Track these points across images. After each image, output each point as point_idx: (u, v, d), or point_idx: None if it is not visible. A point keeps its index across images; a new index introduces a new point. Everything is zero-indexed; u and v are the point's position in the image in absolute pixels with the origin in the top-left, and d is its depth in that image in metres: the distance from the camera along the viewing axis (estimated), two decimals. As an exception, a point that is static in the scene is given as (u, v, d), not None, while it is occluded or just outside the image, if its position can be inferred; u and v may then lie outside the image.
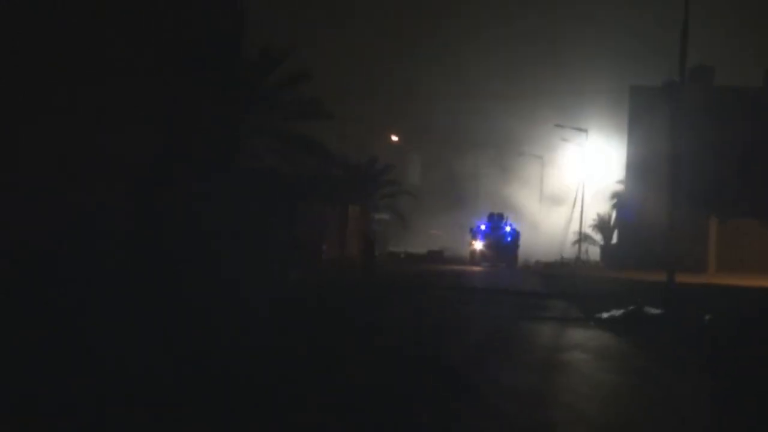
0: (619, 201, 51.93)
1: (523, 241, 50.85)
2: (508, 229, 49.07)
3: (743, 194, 35.30)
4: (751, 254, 38.73)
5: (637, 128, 49.27)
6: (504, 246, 47.77)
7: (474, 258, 47.73)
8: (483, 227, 48.57)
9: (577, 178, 56.89)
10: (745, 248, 39.10)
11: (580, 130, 55.22)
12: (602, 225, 57.47)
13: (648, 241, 40.89)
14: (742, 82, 43.10)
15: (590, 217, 56.58)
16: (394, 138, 63.74)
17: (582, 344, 9.93)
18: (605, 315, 13.37)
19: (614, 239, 53.83)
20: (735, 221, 39.06)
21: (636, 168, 48.36)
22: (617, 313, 13.40)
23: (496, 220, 48.75)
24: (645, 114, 47.83)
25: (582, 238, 55.03)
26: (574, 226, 55.40)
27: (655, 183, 46.92)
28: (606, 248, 54.40)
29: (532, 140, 66.13)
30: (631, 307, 13.55)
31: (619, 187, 52.44)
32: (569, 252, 56.46)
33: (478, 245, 48.09)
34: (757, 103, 35.30)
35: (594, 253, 56.78)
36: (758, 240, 38.66)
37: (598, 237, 57.75)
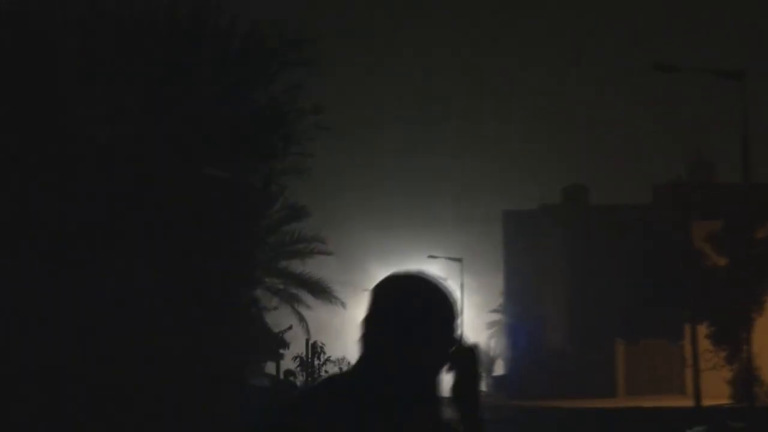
0: (508, 328, 50.45)
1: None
2: None
3: (647, 314, 34.00)
4: (663, 373, 37.55)
5: (514, 254, 48.40)
6: None
7: None
8: None
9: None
10: (656, 368, 37.92)
11: (453, 259, 53.83)
12: (483, 356, 55.81)
13: (545, 368, 39.33)
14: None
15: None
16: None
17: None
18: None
19: (496, 370, 52.28)
20: (643, 342, 37.93)
21: (515, 294, 47.27)
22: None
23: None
24: (521, 238, 47.03)
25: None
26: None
27: (543, 306, 45.89)
28: (497, 380, 52.60)
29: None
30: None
31: (495, 317, 51.08)
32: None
33: None
34: (648, 221, 34.51)
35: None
36: (667, 359, 37.51)
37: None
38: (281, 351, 22.84)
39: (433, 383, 2.18)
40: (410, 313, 2.15)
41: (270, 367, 24.35)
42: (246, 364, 20.75)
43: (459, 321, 2.22)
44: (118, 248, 14.08)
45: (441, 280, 2.25)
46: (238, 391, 17.53)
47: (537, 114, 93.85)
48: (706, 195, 31.94)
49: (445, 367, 2.18)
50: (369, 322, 2.19)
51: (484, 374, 53.39)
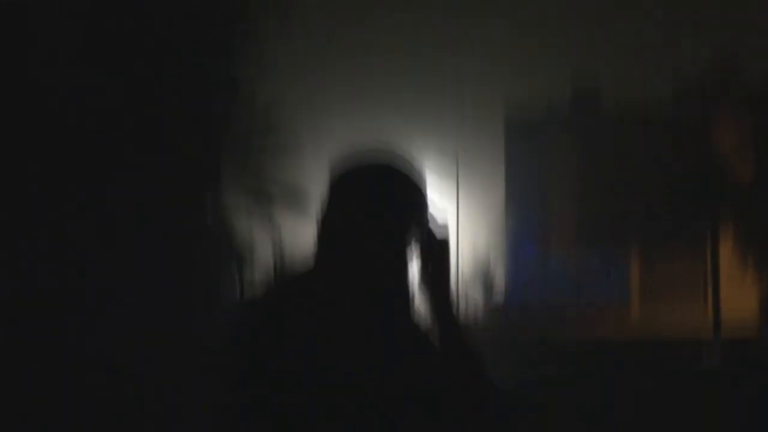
0: (512, 236, 47.71)
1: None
2: None
3: (666, 217, 31.34)
4: (681, 282, 35.33)
5: (517, 152, 45.62)
6: None
7: None
8: None
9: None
10: (674, 276, 35.73)
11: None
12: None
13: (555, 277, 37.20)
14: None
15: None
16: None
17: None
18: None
19: (497, 281, 50.17)
20: (661, 247, 35.50)
21: (519, 198, 44.68)
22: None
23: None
24: (526, 137, 44.31)
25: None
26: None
27: (549, 211, 43.43)
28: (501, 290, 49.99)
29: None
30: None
31: (497, 223, 48.59)
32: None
33: None
34: (666, 119, 31.75)
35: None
36: (686, 265, 35.22)
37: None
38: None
39: (401, 277, 2.13)
40: (376, 205, 2.11)
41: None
42: None
43: (427, 211, 2.16)
44: None
45: (408, 165, 2.17)
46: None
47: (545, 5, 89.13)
48: (733, 90, 29.26)
49: (415, 258, 2.15)
50: (329, 218, 2.13)
51: (487, 286, 51.22)
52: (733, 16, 74.63)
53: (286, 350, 1.96)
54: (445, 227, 2.18)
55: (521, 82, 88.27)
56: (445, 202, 41.44)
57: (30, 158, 13.51)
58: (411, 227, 2.11)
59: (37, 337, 12.36)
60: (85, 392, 10.76)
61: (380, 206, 2.09)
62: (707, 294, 28.54)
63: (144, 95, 14.97)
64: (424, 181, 2.17)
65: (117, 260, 14.08)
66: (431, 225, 2.15)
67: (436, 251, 2.13)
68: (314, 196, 24.43)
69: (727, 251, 28.40)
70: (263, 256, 20.52)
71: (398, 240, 2.10)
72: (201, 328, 15.02)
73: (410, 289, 2.12)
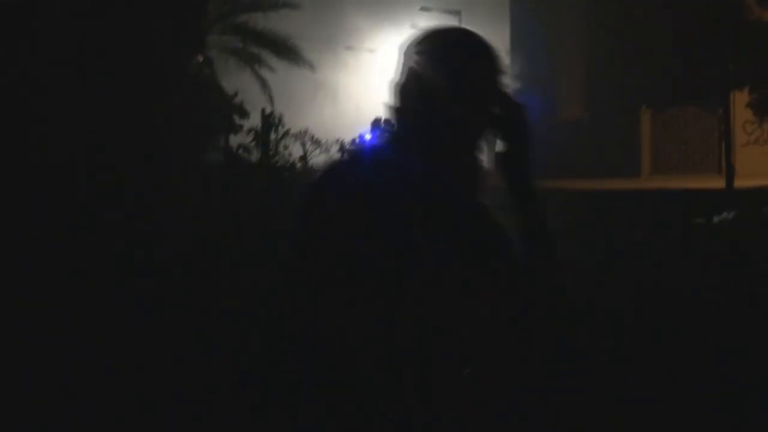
0: (515, 95, 45.68)
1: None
2: None
3: (678, 78, 29.26)
4: (695, 148, 33.32)
5: (522, 4, 43.60)
6: None
7: None
8: (369, 137, 41.45)
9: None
10: (687, 141, 33.63)
11: (450, 12, 48.39)
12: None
13: (558, 143, 35.20)
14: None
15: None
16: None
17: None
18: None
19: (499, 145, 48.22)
20: (673, 110, 33.38)
21: (524, 54, 42.70)
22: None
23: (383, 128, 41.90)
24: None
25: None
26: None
27: (556, 69, 41.52)
28: (500, 156, 48.00)
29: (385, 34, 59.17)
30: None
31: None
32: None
33: None
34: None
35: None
36: (701, 131, 33.13)
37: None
38: (239, 122, 19.23)
39: (474, 147, 2.12)
40: (452, 65, 2.03)
41: (233, 142, 21.19)
42: (199, 137, 18.69)
43: (505, 78, 2.14)
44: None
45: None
46: (189, 169, 15.78)
47: None
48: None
49: (489, 129, 2.14)
50: (406, 84, 2.09)
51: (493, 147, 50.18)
52: None
53: (359, 222, 1.87)
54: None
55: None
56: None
57: None
58: (489, 91, 2.08)
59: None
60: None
61: (458, 69, 2.01)
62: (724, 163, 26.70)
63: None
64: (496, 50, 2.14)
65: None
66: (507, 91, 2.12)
67: (515, 118, 2.13)
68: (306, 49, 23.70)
69: (746, 114, 26.65)
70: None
71: (477, 102, 2.04)
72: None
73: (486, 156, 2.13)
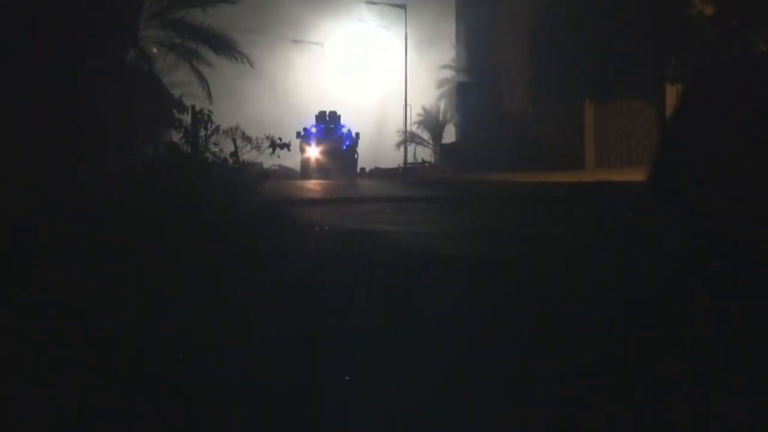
0: (461, 87, 45.72)
1: (343, 145, 43.95)
2: (344, 131, 42.00)
3: (622, 72, 29.67)
4: (638, 141, 33.80)
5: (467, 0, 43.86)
6: (342, 153, 40.78)
7: (307, 169, 40.20)
8: (314, 130, 41.26)
9: (394, 66, 50.46)
10: (630, 135, 34.10)
11: (395, 6, 48.54)
12: (430, 121, 51.46)
13: (503, 137, 35.49)
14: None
15: (414, 113, 50.20)
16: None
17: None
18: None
19: (446, 138, 48.39)
20: (613, 102, 33.77)
21: (469, 47, 42.95)
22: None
23: (328, 122, 41.73)
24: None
25: (408, 138, 48.68)
26: (393, 126, 49.29)
27: (500, 63, 41.75)
28: (446, 149, 48.03)
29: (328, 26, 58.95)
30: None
31: (446, 74, 46.88)
32: (391, 156, 50.21)
33: (312, 152, 40.67)
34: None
35: (424, 155, 50.82)
36: (644, 124, 33.60)
37: (426, 136, 51.71)
38: (178, 117, 19.20)
39: None
40: None
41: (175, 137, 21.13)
42: (135, 131, 18.21)
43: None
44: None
45: None
46: (124, 163, 15.06)
47: None
48: None
49: None
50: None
51: (431, 142, 50.46)
52: None
53: None
54: None
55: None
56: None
57: None
58: None
59: None
60: None
61: None
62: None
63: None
64: None
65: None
66: None
67: None
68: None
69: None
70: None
71: None
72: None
73: None
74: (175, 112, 20.68)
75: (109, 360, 4.87)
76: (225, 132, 15.65)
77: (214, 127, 15.61)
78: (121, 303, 5.96)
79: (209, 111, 15.99)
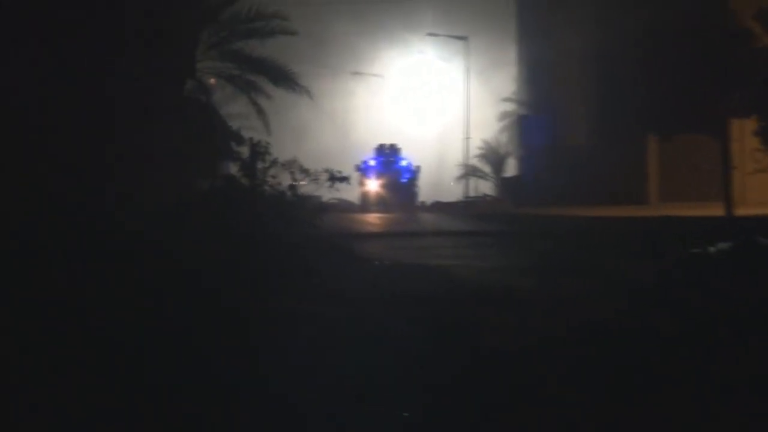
0: (522, 121, 45.45)
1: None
2: (404, 163, 41.91)
3: (685, 105, 29.20)
4: (703, 176, 33.18)
5: (529, 31, 43.71)
6: (401, 186, 40.68)
7: (367, 202, 40.01)
8: (373, 163, 41.26)
9: (455, 98, 50.39)
10: (695, 170, 33.51)
11: (457, 38, 48.49)
12: (490, 154, 51.22)
13: (565, 170, 35.15)
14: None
15: (474, 146, 49.98)
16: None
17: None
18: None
19: (507, 171, 48.15)
20: (677, 137, 33.24)
21: (531, 80, 42.82)
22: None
23: (388, 154, 41.74)
24: (537, 13, 42.23)
25: (469, 171, 48.45)
26: (453, 158, 49.14)
27: (562, 97, 41.46)
28: (507, 182, 47.68)
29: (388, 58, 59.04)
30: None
31: (506, 107, 46.75)
32: (451, 189, 49.96)
33: (372, 185, 40.57)
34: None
35: (485, 188, 50.57)
36: (709, 158, 32.99)
37: (486, 169, 51.42)
38: (236, 149, 19.35)
39: None
40: None
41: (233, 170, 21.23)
42: (190, 164, 18.61)
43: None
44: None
45: None
46: (174, 197, 15.49)
47: None
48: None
49: None
50: None
51: (492, 175, 50.33)
52: None
53: None
54: None
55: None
56: None
57: None
58: None
59: None
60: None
61: None
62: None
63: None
64: None
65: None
66: None
67: None
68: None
69: (752, 142, 26.66)
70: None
71: None
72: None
73: None
74: (233, 144, 20.76)
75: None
76: (283, 165, 15.60)
77: (272, 159, 15.57)
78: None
79: (267, 143, 15.96)
